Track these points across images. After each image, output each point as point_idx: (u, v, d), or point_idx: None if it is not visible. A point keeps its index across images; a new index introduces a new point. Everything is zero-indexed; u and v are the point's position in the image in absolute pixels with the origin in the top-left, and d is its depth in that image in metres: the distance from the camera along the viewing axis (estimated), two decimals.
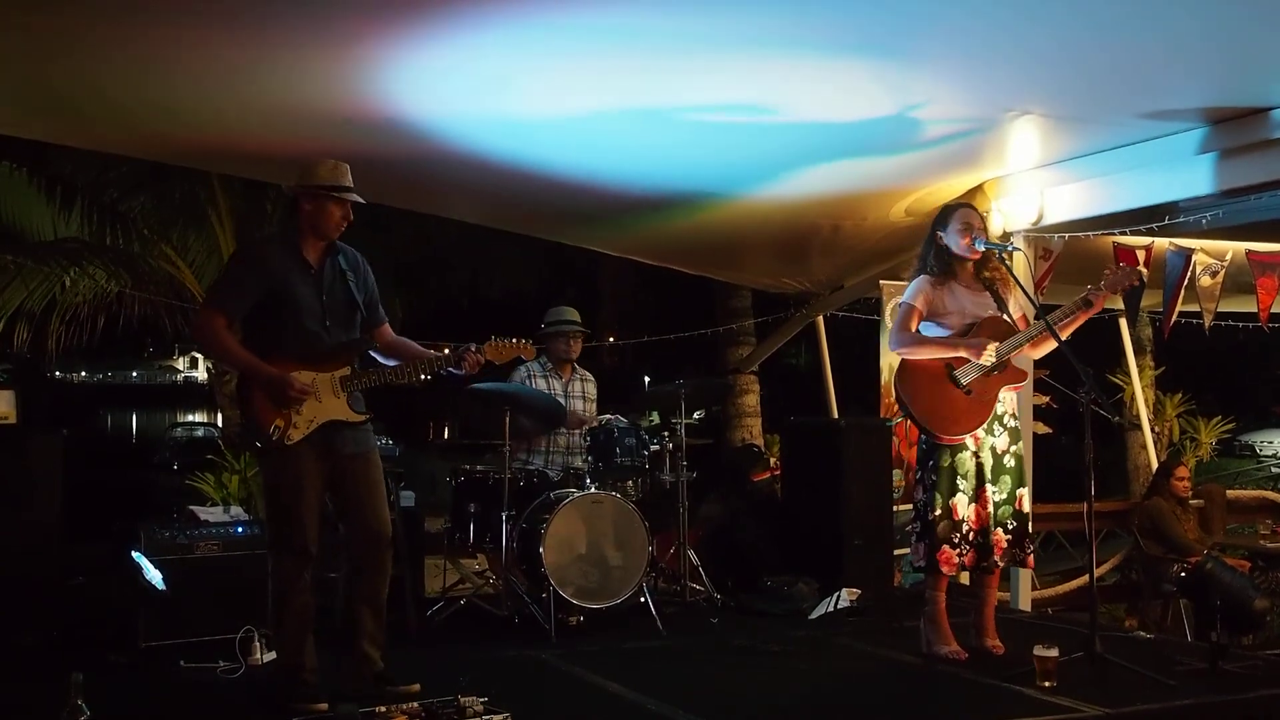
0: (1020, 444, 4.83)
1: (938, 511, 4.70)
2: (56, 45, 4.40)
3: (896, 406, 4.83)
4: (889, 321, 6.73)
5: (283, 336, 4.07)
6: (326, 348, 4.12)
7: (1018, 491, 4.77)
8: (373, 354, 4.31)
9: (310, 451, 4.06)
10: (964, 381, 4.67)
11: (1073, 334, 4.67)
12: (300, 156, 4.29)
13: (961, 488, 4.68)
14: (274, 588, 4.11)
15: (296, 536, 4.05)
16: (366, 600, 4.17)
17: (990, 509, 4.69)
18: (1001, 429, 4.76)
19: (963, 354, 4.65)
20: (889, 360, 6.72)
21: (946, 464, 4.70)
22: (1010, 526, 4.74)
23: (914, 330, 4.75)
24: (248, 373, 4.05)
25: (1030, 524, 4.79)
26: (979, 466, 4.70)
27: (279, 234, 4.29)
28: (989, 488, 4.69)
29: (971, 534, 4.70)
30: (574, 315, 6.38)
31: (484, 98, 4.92)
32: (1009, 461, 4.77)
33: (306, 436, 4.04)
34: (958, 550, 4.68)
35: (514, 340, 4.29)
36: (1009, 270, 4.89)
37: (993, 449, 4.73)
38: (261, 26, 4.20)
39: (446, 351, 4.24)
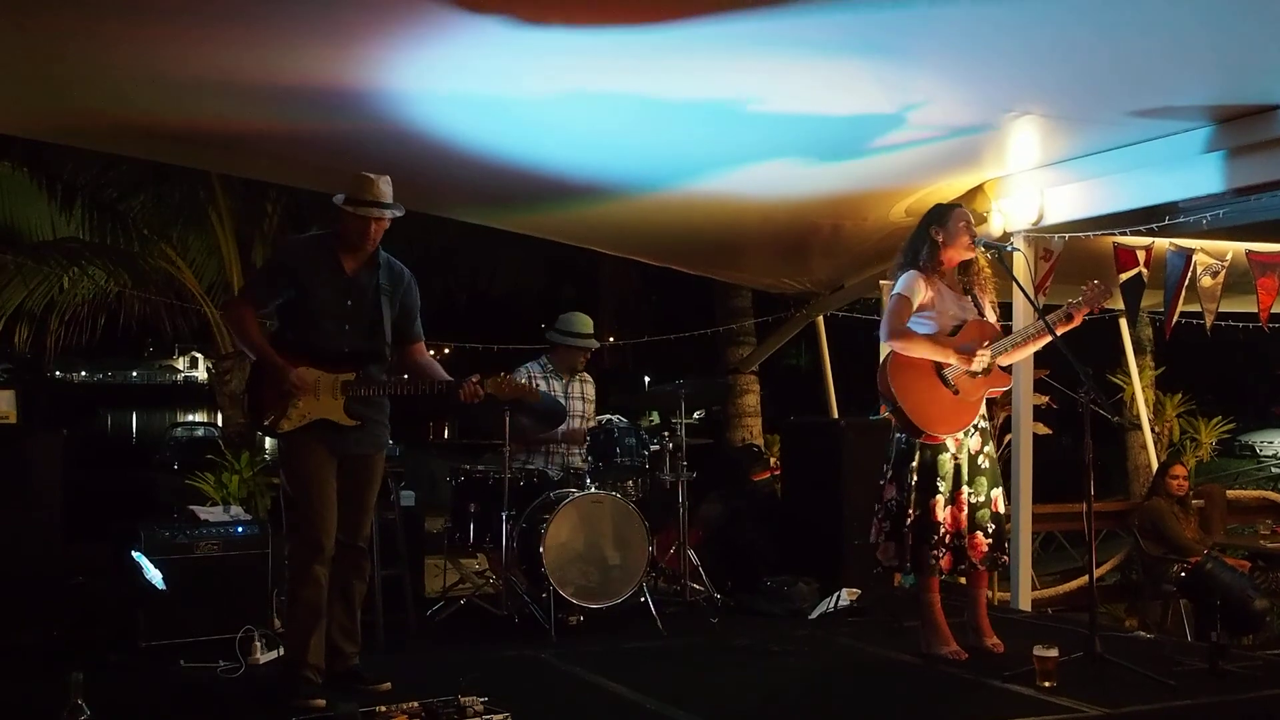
0: (990, 445, 4.83)
1: (916, 512, 4.70)
2: (56, 44, 4.40)
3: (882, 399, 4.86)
4: None
5: (301, 333, 4.21)
6: (340, 350, 4.20)
7: (993, 493, 4.77)
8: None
9: (320, 443, 4.14)
10: (953, 381, 4.67)
11: (1074, 334, 4.67)
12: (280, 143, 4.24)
13: (940, 489, 4.68)
14: (288, 578, 4.21)
15: (304, 525, 4.14)
16: (340, 594, 4.26)
17: (966, 511, 4.70)
18: (974, 430, 4.76)
19: (953, 359, 4.65)
20: None
21: (926, 464, 4.69)
22: (990, 530, 4.74)
23: (905, 323, 4.73)
24: (260, 359, 4.21)
25: (1005, 524, 4.78)
26: (956, 468, 4.71)
27: (320, 237, 4.39)
28: (965, 490, 4.70)
29: (949, 536, 4.70)
30: (589, 328, 6.32)
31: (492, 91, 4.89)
32: (983, 463, 4.77)
33: (304, 429, 4.13)
34: (934, 552, 4.68)
35: (521, 384, 4.42)
36: (1008, 271, 4.89)
37: (968, 451, 4.73)
38: (250, 25, 4.19)
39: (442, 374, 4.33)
